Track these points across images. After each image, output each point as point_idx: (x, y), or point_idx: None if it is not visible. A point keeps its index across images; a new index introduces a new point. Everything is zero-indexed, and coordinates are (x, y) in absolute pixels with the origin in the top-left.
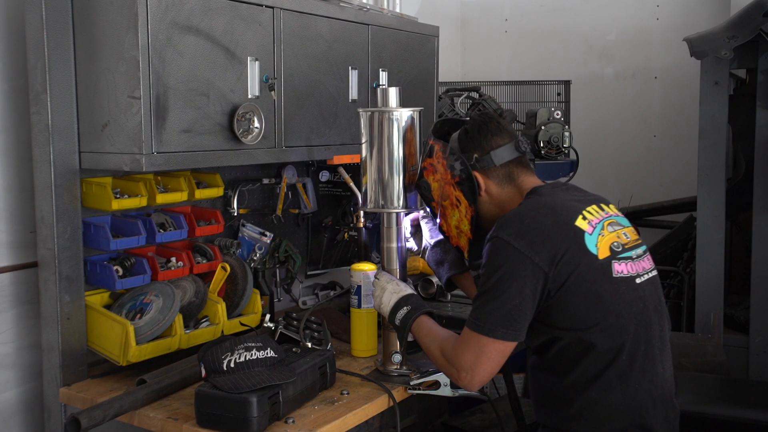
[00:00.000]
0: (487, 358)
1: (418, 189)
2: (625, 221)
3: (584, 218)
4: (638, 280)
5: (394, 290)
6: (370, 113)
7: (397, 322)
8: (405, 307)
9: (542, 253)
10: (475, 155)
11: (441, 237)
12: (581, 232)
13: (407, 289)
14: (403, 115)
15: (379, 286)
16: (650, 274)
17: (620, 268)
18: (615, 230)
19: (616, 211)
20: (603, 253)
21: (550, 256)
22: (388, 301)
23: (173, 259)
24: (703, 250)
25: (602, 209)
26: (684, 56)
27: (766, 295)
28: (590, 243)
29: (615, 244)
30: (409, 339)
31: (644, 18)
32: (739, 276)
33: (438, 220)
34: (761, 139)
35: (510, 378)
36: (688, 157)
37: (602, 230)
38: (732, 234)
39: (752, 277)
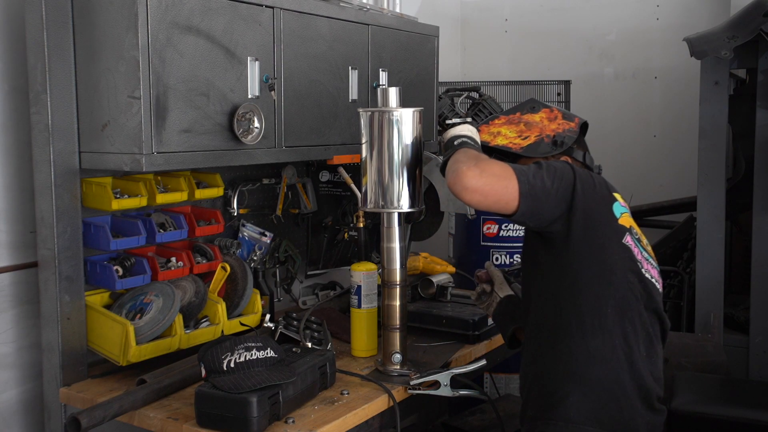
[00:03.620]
0: (502, 186)
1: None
2: (648, 242)
3: (619, 196)
4: (638, 266)
5: (471, 130)
6: (370, 113)
7: (456, 142)
8: (467, 139)
9: (585, 184)
10: (575, 146)
11: (511, 292)
12: (614, 198)
13: (479, 140)
14: (404, 115)
15: (461, 124)
16: (652, 279)
17: (630, 242)
18: (637, 227)
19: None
20: (622, 222)
21: (587, 189)
22: (461, 129)
23: (173, 259)
24: (703, 250)
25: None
26: (684, 56)
27: (766, 295)
28: (617, 209)
29: (633, 229)
30: None
31: (644, 18)
32: (739, 276)
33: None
34: (761, 139)
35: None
36: (688, 157)
37: (627, 212)
38: (732, 234)
39: (752, 277)
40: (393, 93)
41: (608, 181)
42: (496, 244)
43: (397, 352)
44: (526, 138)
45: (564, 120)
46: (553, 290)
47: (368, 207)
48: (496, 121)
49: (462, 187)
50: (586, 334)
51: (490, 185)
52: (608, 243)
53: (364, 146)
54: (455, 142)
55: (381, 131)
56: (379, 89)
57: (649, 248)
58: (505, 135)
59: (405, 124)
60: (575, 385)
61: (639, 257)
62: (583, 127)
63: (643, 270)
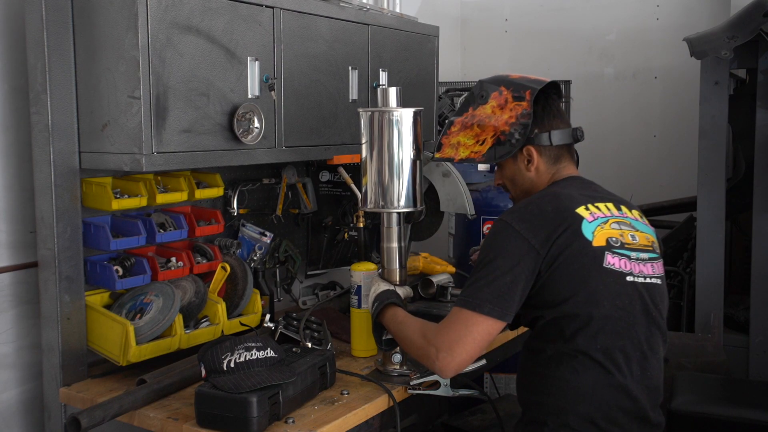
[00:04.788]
0: (471, 337)
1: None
2: (643, 227)
3: (587, 209)
4: (629, 278)
5: (373, 290)
6: (370, 113)
7: (373, 319)
8: (375, 304)
9: (539, 235)
10: (536, 130)
11: None
12: (580, 218)
13: (383, 287)
14: (404, 115)
15: (369, 291)
16: (647, 279)
17: (612, 261)
18: (620, 229)
19: (636, 216)
20: (598, 242)
21: (545, 236)
22: (370, 304)
23: (173, 259)
24: (703, 250)
25: (619, 209)
26: (684, 56)
27: (766, 295)
28: (586, 229)
29: (613, 239)
30: (388, 337)
31: (644, 18)
32: (739, 276)
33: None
34: (761, 139)
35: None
36: (688, 157)
37: (604, 224)
38: (732, 234)
39: (752, 277)
40: (393, 93)
41: (592, 186)
42: None
43: (397, 352)
44: (483, 142)
45: (515, 102)
46: (542, 324)
47: (368, 207)
48: (453, 129)
49: (452, 370)
50: (577, 368)
51: (469, 347)
52: (588, 275)
53: (364, 146)
54: (372, 315)
55: (381, 131)
56: (379, 89)
57: (642, 237)
58: (465, 144)
59: (405, 124)
60: (567, 420)
61: (627, 267)
62: (545, 90)
63: (635, 279)
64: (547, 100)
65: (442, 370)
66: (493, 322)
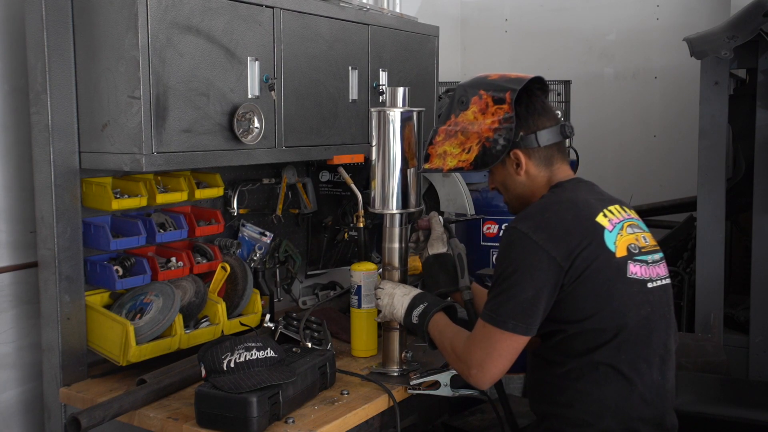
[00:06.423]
0: (498, 353)
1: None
2: (643, 226)
3: (605, 216)
4: (650, 285)
5: (404, 293)
6: (376, 113)
7: (415, 320)
8: (421, 305)
9: (560, 247)
10: (521, 133)
11: (443, 250)
12: (601, 228)
13: (417, 289)
14: (395, 116)
15: (385, 294)
16: (663, 282)
17: (635, 270)
18: (634, 232)
19: (635, 214)
20: (620, 252)
21: (568, 250)
22: (401, 304)
23: (173, 259)
24: (703, 250)
25: (624, 210)
26: (684, 56)
27: (766, 295)
28: (609, 240)
29: (632, 246)
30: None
31: (644, 18)
32: (739, 276)
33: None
34: (761, 139)
35: (500, 385)
36: (688, 157)
37: (621, 230)
38: (732, 234)
39: (752, 277)
40: (400, 93)
41: (595, 188)
42: (496, 244)
43: (408, 351)
44: (469, 150)
45: (496, 105)
46: (563, 338)
47: (375, 208)
48: (438, 138)
49: (487, 384)
50: (599, 381)
51: (497, 362)
52: (614, 288)
53: (374, 148)
54: (416, 316)
55: (386, 132)
56: (387, 89)
57: (650, 238)
58: (451, 153)
59: (401, 125)
60: None
61: (647, 273)
62: (528, 87)
63: (654, 284)
64: (530, 98)
65: (477, 385)
66: (517, 338)
